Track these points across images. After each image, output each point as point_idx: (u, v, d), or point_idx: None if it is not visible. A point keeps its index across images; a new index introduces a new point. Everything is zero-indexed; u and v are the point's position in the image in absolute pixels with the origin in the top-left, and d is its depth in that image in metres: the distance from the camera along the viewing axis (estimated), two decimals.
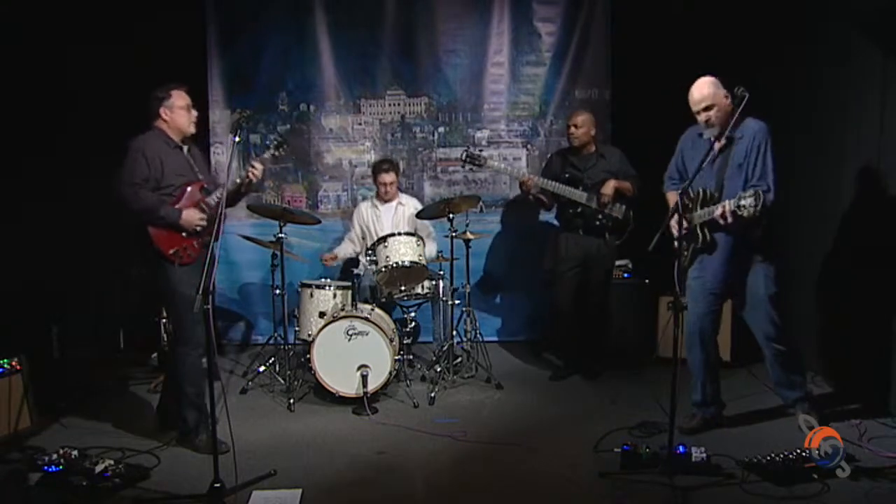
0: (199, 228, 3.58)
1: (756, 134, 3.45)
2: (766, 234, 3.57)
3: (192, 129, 3.70)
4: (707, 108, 3.50)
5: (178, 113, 3.64)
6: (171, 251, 3.54)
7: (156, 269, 3.57)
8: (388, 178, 5.11)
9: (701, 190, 3.56)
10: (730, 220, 3.34)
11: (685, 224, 3.52)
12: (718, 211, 3.37)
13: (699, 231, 3.57)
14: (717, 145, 3.55)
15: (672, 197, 3.84)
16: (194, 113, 3.71)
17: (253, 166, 3.73)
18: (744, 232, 3.51)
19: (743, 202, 3.24)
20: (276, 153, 3.97)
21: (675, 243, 3.64)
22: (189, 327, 3.57)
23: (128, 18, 5.09)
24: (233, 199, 3.85)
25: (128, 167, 3.53)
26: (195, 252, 3.60)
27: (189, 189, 3.62)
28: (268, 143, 4.01)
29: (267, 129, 5.77)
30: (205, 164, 3.93)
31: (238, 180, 3.75)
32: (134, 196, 3.49)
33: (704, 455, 3.22)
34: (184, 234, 3.57)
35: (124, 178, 3.52)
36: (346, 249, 5.28)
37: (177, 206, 3.56)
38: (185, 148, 3.72)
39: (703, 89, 3.52)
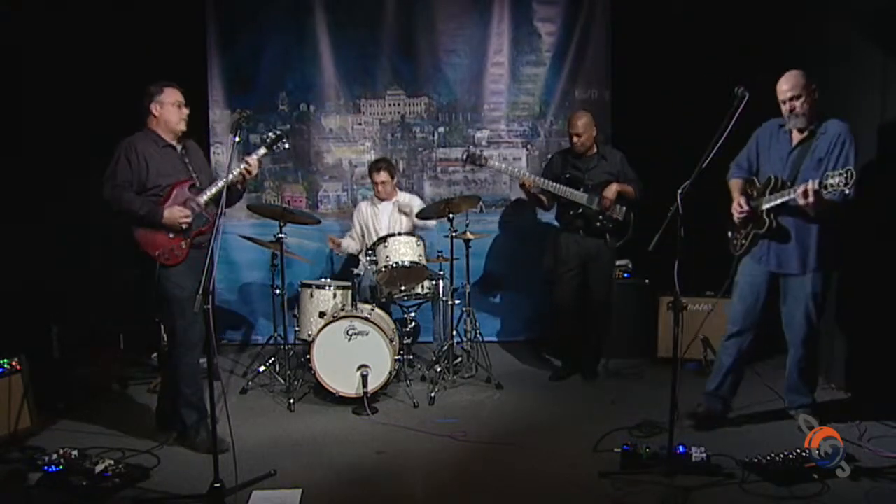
0: (184, 226, 3.54)
1: (841, 131, 3.45)
2: (836, 234, 3.54)
3: (181, 127, 3.66)
4: (794, 98, 3.51)
5: (168, 109, 3.61)
6: (157, 252, 3.51)
7: (146, 271, 3.54)
8: (380, 177, 5.11)
9: (772, 177, 3.56)
10: (811, 199, 3.28)
11: (749, 210, 3.55)
12: (800, 189, 3.32)
13: (765, 216, 3.55)
14: (795, 137, 3.56)
15: (736, 184, 3.82)
16: (185, 110, 3.68)
17: (247, 162, 3.68)
18: (809, 225, 3.49)
19: (831, 180, 3.19)
20: (274, 148, 3.88)
21: (728, 232, 3.70)
22: (183, 329, 3.56)
23: (128, 18, 5.09)
24: (230, 197, 3.78)
25: (111, 169, 3.53)
26: (182, 253, 3.56)
27: (176, 190, 3.58)
28: (265, 137, 3.92)
29: (267, 129, 5.75)
30: (203, 162, 3.88)
31: (230, 177, 3.67)
32: (116, 197, 3.48)
33: (704, 455, 3.22)
34: (170, 234, 3.53)
35: (107, 179, 3.51)
36: (347, 243, 5.29)
37: (162, 206, 3.53)
38: (180, 146, 3.69)
39: (792, 79, 3.53)
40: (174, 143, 3.67)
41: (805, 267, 3.57)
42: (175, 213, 3.52)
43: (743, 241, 3.71)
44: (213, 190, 3.64)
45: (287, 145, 3.95)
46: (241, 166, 3.69)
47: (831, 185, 3.20)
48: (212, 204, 3.66)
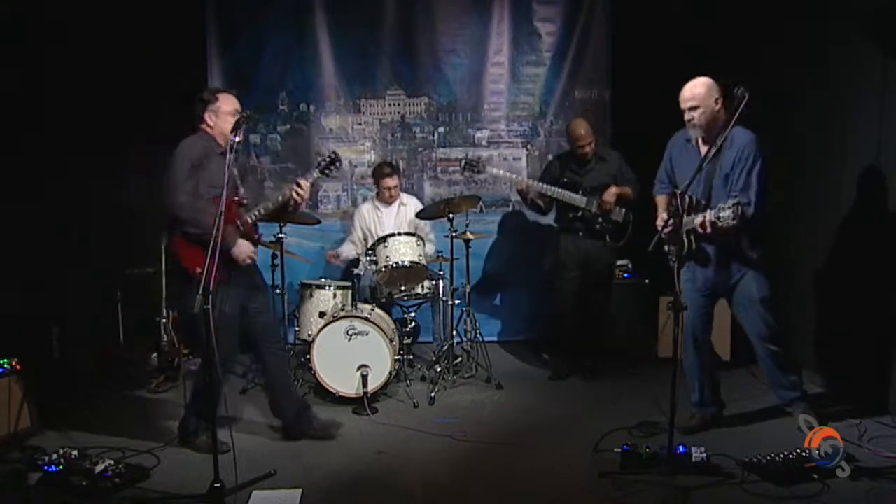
0: (248, 262, 3.41)
1: (745, 146, 3.43)
2: (755, 241, 3.57)
3: (238, 136, 3.46)
4: (692, 108, 3.50)
5: (223, 119, 3.46)
6: (199, 270, 3.12)
7: (183, 286, 3.37)
8: (392, 181, 5.11)
9: (689, 197, 3.55)
10: (709, 230, 3.34)
11: (675, 228, 3.53)
12: (698, 220, 3.37)
13: (685, 238, 3.55)
14: (703, 150, 3.54)
15: (662, 200, 3.85)
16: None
17: (298, 185, 3.54)
18: (726, 241, 3.52)
19: (722, 213, 3.22)
20: (327, 172, 3.73)
21: (664, 246, 3.66)
22: (219, 348, 3.30)
23: (128, 18, 5.09)
24: (276, 216, 3.72)
25: (175, 174, 3.31)
26: (225, 275, 3.36)
27: (227, 207, 3.36)
28: (319, 160, 3.75)
29: (267, 129, 5.78)
30: (246, 174, 3.77)
31: (280, 199, 3.58)
32: (190, 208, 3.27)
33: (704, 455, 3.22)
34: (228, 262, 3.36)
35: (175, 184, 3.29)
36: (348, 251, 5.27)
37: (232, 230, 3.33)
38: (231, 157, 3.46)
39: (694, 89, 3.52)
40: (226, 151, 3.45)
41: (734, 277, 3.60)
42: (245, 249, 3.38)
43: (674, 258, 3.70)
44: (261, 210, 3.56)
45: (339, 168, 3.82)
46: (292, 189, 3.56)
47: (722, 219, 3.22)
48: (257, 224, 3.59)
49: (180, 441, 3.66)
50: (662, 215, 3.73)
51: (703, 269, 3.64)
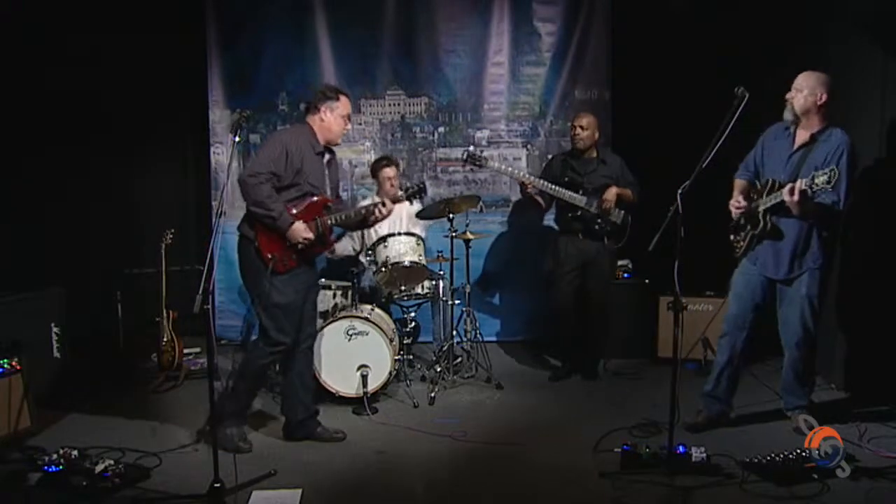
0: (300, 246, 3.46)
1: (840, 143, 3.45)
2: (825, 243, 3.56)
3: (339, 140, 3.64)
4: (797, 90, 3.54)
5: (336, 120, 3.55)
6: (270, 255, 3.41)
7: (256, 268, 3.45)
8: (390, 172, 5.10)
9: (771, 180, 3.58)
10: (797, 197, 3.30)
11: (748, 209, 3.59)
12: (788, 187, 3.34)
13: (761, 218, 3.58)
14: (798, 141, 3.57)
15: (739, 184, 3.84)
16: (349, 126, 3.65)
17: (384, 204, 3.61)
18: (800, 228, 3.51)
19: (817, 179, 3.21)
20: (412, 200, 3.86)
21: (730, 235, 3.74)
22: (273, 333, 3.49)
23: (128, 18, 5.10)
24: (350, 226, 3.80)
25: (266, 155, 3.41)
26: (290, 264, 3.48)
27: (314, 199, 3.51)
28: (408, 187, 3.81)
29: (267, 129, 5.77)
30: (338, 179, 3.82)
31: (364, 212, 3.65)
32: (256, 186, 3.35)
33: (704, 455, 3.22)
34: (287, 244, 3.44)
35: (257, 165, 3.40)
36: (345, 246, 5.27)
37: (293, 213, 3.43)
38: (327, 157, 3.62)
39: (807, 75, 3.56)
40: (324, 150, 3.57)
41: (797, 269, 3.58)
42: (299, 230, 3.42)
43: (742, 243, 3.73)
44: (342, 216, 3.59)
45: (423, 198, 3.95)
46: (378, 206, 3.62)
47: (816, 184, 3.22)
48: (335, 229, 3.66)
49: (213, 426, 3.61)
50: (738, 198, 3.72)
51: (770, 250, 3.61)
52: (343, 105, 3.57)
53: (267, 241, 3.44)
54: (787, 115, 3.59)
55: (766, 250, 3.63)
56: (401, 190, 3.84)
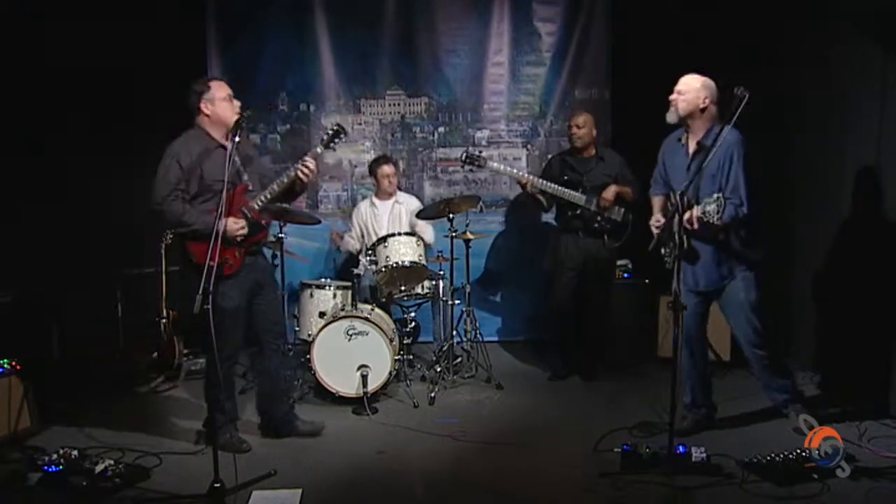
0: (239, 239, 3.42)
1: (728, 146, 3.41)
2: (746, 243, 3.56)
3: (235, 118, 3.43)
4: (679, 92, 3.53)
5: (220, 105, 3.45)
6: (212, 263, 3.21)
7: (194, 281, 3.27)
8: (389, 169, 5.11)
9: (679, 196, 3.52)
10: (695, 225, 3.32)
11: (668, 228, 3.55)
12: (686, 216, 3.35)
13: (677, 238, 3.54)
14: (691, 148, 3.56)
15: (657, 201, 3.85)
16: (237, 102, 3.52)
17: (304, 162, 3.50)
18: (716, 240, 3.52)
19: (707, 208, 3.20)
20: (332, 145, 3.69)
21: (660, 248, 3.69)
22: (223, 340, 3.38)
23: (128, 18, 5.09)
24: (285, 198, 3.68)
25: (160, 176, 3.35)
26: (237, 263, 3.44)
27: (230, 192, 3.38)
28: (322, 135, 3.74)
29: (267, 128, 5.78)
30: (253, 159, 3.71)
31: (286, 179, 3.53)
32: (167, 210, 3.32)
33: (704, 455, 3.22)
34: (227, 244, 3.36)
35: (157, 190, 3.34)
36: (349, 242, 5.29)
37: (210, 214, 3.32)
38: (230, 145, 3.44)
39: (690, 79, 3.55)
40: (225, 142, 3.48)
41: (725, 278, 3.59)
42: (231, 226, 3.36)
43: (669, 258, 3.71)
44: (267, 194, 3.51)
45: (343, 139, 3.75)
46: (298, 165, 3.53)
47: (707, 213, 3.20)
48: (266, 210, 3.57)
49: (207, 441, 3.63)
50: (657, 215, 3.73)
51: (695, 269, 3.63)
52: (216, 88, 3.46)
53: (203, 250, 3.18)
54: (671, 118, 3.57)
55: (692, 268, 3.62)
56: (319, 146, 3.67)
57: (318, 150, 3.64)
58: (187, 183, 3.38)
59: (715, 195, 3.21)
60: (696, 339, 3.74)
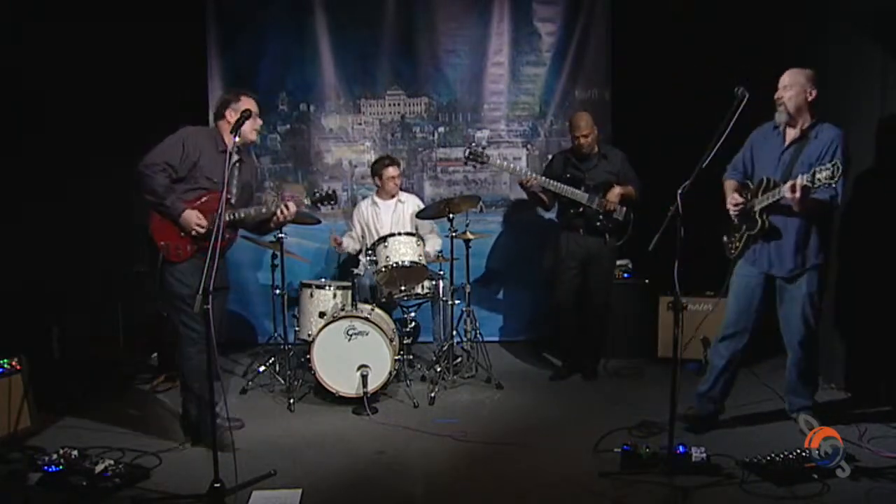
0: (193, 233, 3.52)
1: (834, 138, 3.43)
2: (824, 241, 3.55)
3: (253, 137, 3.71)
4: (786, 88, 3.53)
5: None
6: (162, 243, 3.52)
7: (155, 265, 3.55)
8: (394, 171, 5.11)
9: (765, 178, 3.56)
10: (798, 194, 3.27)
11: (745, 209, 3.56)
12: (789, 184, 3.32)
13: (758, 217, 3.55)
14: (788, 138, 3.56)
15: (730, 185, 3.81)
16: (259, 121, 3.71)
17: (286, 206, 3.69)
18: (799, 224, 3.50)
19: (819, 175, 3.18)
20: (318, 206, 3.97)
21: (724, 236, 3.72)
22: (185, 324, 3.56)
23: (128, 18, 5.09)
24: (258, 227, 3.84)
25: (161, 147, 3.52)
26: (185, 253, 3.56)
27: (208, 197, 3.56)
28: (316, 192, 3.95)
29: (267, 129, 5.77)
30: (250, 183, 3.84)
31: (264, 210, 3.70)
32: (149, 175, 3.46)
33: (704, 455, 3.22)
34: (182, 232, 3.53)
35: (152, 156, 3.50)
36: (349, 243, 5.29)
37: (192, 203, 3.52)
38: (236, 158, 3.65)
39: (794, 72, 3.56)
40: (233, 151, 3.58)
41: (799, 266, 3.56)
42: (192, 217, 3.50)
43: (738, 244, 3.71)
44: (241, 214, 3.64)
45: (332, 206, 4.11)
46: (280, 208, 3.69)
47: (818, 180, 3.19)
48: (233, 226, 3.67)
49: (193, 441, 3.65)
50: (734, 196, 3.68)
51: (770, 251, 3.58)
52: (245, 103, 3.64)
53: (161, 229, 3.51)
54: (781, 117, 3.56)
55: (767, 249, 3.60)
56: (307, 198, 3.94)
57: (307, 202, 3.90)
58: (180, 166, 3.53)
59: (828, 163, 3.19)
60: (751, 331, 3.68)
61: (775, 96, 3.56)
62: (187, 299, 3.47)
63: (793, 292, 3.60)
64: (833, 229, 3.63)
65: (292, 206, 3.72)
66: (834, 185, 3.22)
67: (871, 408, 3.90)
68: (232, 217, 3.61)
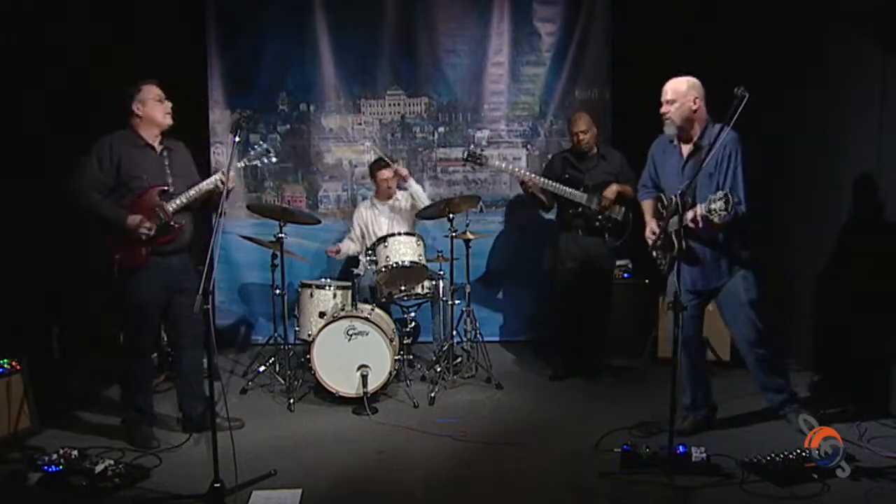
0: (143, 236, 3.51)
1: (727, 144, 3.40)
2: (744, 242, 3.56)
3: (167, 121, 3.63)
4: (669, 102, 3.51)
5: (150, 105, 3.58)
6: (117, 256, 3.54)
7: (112, 272, 3.57)
8: (387, 173, 5.12)
9: (674, 199, 3.49)
10: (700, 224, 3.32)
11: (662, 231, 3.54)
12: (690, 215, 3.35)
13: (674, 239, 3.50)
14: (684, 150, 3.55)
15: (647, 205, 3.84)
16: (167, 104, 3.65)
17: (223, 173, 3.60)
18: (714, 240, 3.51)
19: (713, 205, 3.20)
20: (258, 163, 3.97)
21: (652, 252, 3.66)
22: (131, 337, 3.63)
23: (128, 19, 5.09)
24: (203, 206, 3.78)
25: (79, 167, 3.54)
26: (140, 259, 3.55)
27: (143, 195, 3.55)
28: (254, 147, 3.98)
29: (267, 129, 5.78)
30: (186, 166, 3.81)
31: (203, 187, 3.65)
32: (82, 196, 3.49)
33: (704, 455, 3.22)
34: (131, 238, 3.51)
35: (73, 177, 3.53)
36: (348, 247, 5.29)
37: (128, 210, 3.51)
38: (161, 148, 3.64)
39: (675, 84, 3.53)
40: (155, 143, 3.62)
41: (725, 276, 3.58)
42: (135, 220, 3.49)
43: (665, 262, 3.72)
44: (184, 199, 3.61)
45: (274, 159, 4.02)
46: (217, 177, 3.66)
47: (714, 211, 3.20)
48: (182, 212, 3.64)
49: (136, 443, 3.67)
50: (652, 224, 3.72)
51: (692, 270, 3.61)
52: (147, 91, 3.60)
53: (114, 241, 3.54)
54: (669, 130, 3.55)
55: (690, 268, 3.60)
56: (241, 160, 3.95)
57: (240, 164, 3.91)
58: (105, 177, 3.53)
59: (720, 192, 3.20)
60: (694, 341, 3.73)
61: (661, 111, 3.54)
62: (136, 310, 3.58)
63: (730, 303, 3.63)
64: (746, 232, 3.59)
65: (233, 178, 3.64)
66: (730, 212, 3.18)
67: (871, 408, 3.88)
68: (175, 206, 3.59)
